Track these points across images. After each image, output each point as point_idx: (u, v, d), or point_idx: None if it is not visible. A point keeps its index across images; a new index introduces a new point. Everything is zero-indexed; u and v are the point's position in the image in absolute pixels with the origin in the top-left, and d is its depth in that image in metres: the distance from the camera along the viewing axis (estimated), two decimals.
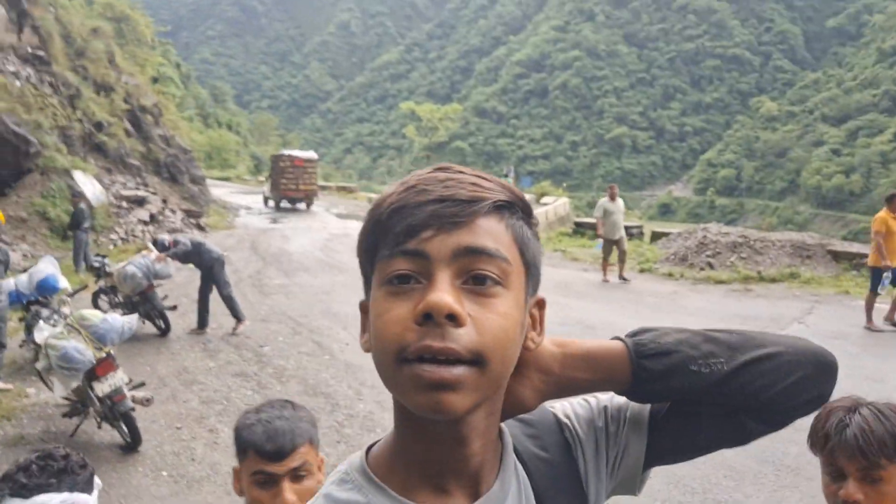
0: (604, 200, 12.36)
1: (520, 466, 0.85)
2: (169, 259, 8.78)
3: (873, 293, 8.89)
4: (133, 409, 5.52)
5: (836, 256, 13.06)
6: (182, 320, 9.41)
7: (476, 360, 0.69)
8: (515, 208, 0.78)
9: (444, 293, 0.69)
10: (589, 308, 10.25)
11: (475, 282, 0.72)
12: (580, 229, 18.79)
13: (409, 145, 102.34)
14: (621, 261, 12.32)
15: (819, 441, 1.47)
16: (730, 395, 0.81)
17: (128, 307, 8.64)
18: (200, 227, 18.78)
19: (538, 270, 0.81)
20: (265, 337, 8.75)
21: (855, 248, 13.83)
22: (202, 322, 9.01)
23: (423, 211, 0.72)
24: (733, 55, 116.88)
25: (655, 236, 17.01)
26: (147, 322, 8.59)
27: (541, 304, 0.84)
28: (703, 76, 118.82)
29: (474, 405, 0.71)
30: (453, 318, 0.68)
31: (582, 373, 0.84)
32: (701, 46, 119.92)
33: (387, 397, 6.54)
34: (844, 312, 9.81)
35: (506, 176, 26.46)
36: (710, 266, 13.15)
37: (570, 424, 0.91)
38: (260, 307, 10.40)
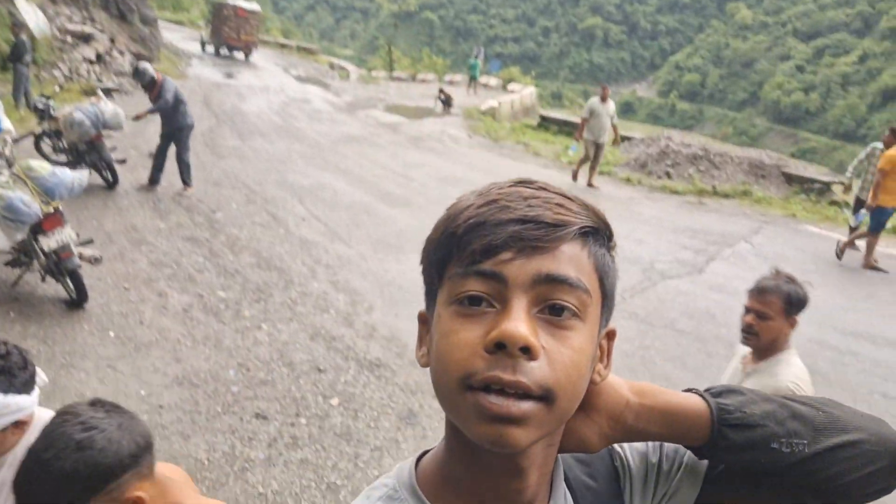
0: (594, 100, 11.82)
1: (569, 495, 0.83)
2: (115, 109, 8.28)
3: (875, 234, 8.71)
4: (80, 267, 5.38)
5: (790, 179, 13.31)
6: (131, 174, 9.08)
7: (545, 396, 0.65)
8: (599, 234, 0.73)
9: (520, 323, 0.64)
10: None
11: (552, 312, 0.67)
12: (545, 123, 18.50)
13: (375, 10, 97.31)
14: (592, 168, 12.01)
15: None
16: (801, 477, 0.78)
17: (73, 154, 8.27)
18: None
19: (613, 300, 0.77)
20: (217, 202, 8.53)
21: (810, 171, 14.10)
22: (154, 179, 8.69)
23: (504, 230, 0.67)
24: None
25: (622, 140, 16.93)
26: (93, 173, 8.23)
27: (611, 335, 0.79)
28: None
29: (537, 440, 0.68)
30: (527, 351, 0.64)
31: (656, 427, 0.80)
32: None
33: (341, 278, 6.56)
34: (790, 236, 10.10)
35: (476, 57, 25.60)
36: (669, 176, 13.26)
37: (621, 453, 0.88)
38: (212, 169, 10.08)
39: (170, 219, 7.73)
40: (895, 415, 5.13)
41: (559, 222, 0.68)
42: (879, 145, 9.17)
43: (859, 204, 9.35)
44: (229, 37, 25.87)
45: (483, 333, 0.66)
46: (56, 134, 8.47)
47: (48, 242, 5.14)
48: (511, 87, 26.09)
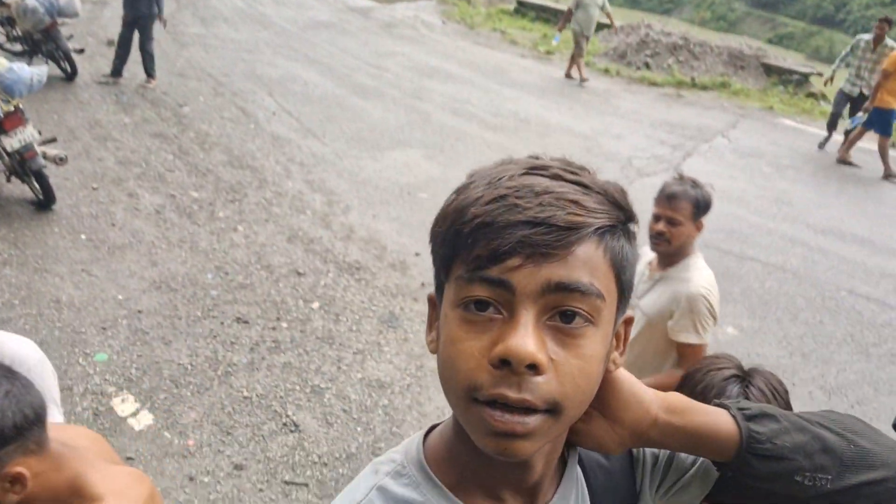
0: None
1: (580, 475, 0.83)
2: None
3: (886, 137, 8.55)
4: (45, 167, 5.20)
5: (768, 70, 13.14)
6: (89, 64, 8.66)
7: (551, 409, 0.64)
8: (616, 228, 0.67)
9: (526, 339, 0.61)
10: (523, 100, 10.06)
11: (562, 318, 0.64)
12: (522, 9, 17.81)
13: None
14: (573, 59, 11.58)
15: None
16: None
17: (27, 43, 7.85)
18: None
19: (631, 290, 0.72)
20: (184, 95, 8.19)
21: (788, 62, 13.91)
22: (117, 71, 8.27)
23: (513, 234, 0.63)
24: None
25: (598, 27, 16.41)
26: (51, 63, 7.81)
27: (627, 322, 0.76)
28: None
29: (543, 446, 0.68)
30: (533, 367, 0.61)
31: (679, 445, 0.79)
32: None
33: (316, 178, 6.45)
34: (766, 130, 10.08)
35: None
36: (648, 66, 12.98)
37: None
38: (176, 59, 9.63)
39: (135, 113, 7.43)
40: (860, 311, 5.32)
41: (572, 224, 0.63)
42: (866, 36, 9.01)
43: (842, 95, 9.27)
44: None
45: (489, 344, 0.63)
46: (8, 21, 7.97)
47: (10, 143, 4.93)
48: None
